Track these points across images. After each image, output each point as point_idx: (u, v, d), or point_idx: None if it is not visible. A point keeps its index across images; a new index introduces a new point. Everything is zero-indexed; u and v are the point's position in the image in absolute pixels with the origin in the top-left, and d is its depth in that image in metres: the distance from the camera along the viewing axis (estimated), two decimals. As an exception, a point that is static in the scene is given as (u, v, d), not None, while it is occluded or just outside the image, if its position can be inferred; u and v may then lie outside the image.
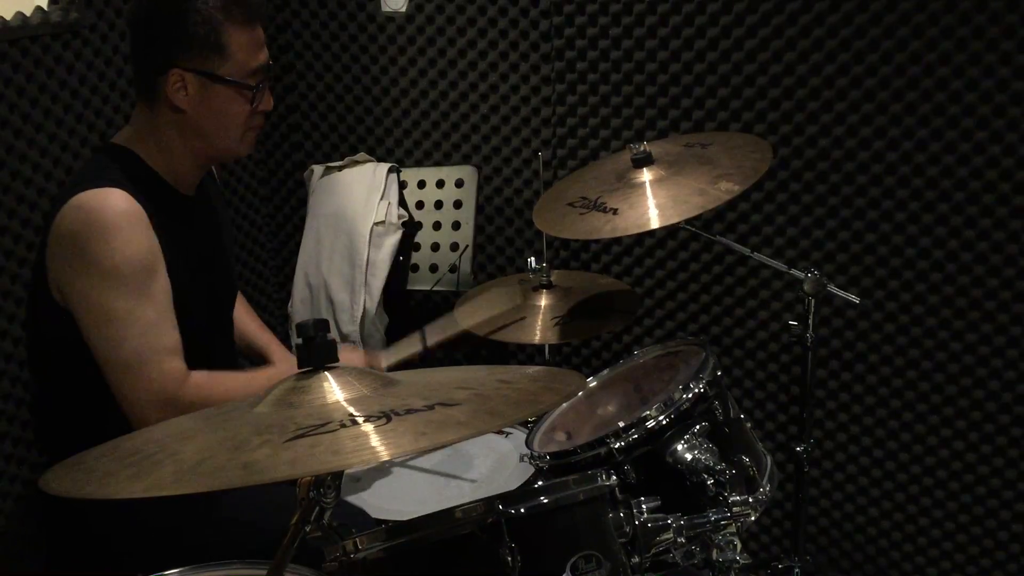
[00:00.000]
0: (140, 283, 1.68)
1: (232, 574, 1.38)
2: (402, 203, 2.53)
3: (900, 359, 2.27)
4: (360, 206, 2.50)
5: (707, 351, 1.71)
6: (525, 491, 1.32)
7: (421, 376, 1.25)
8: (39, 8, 2.07)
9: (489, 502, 1.24)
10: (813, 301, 1.91)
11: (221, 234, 2.01)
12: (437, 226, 2.56)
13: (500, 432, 1.98)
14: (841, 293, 1.92)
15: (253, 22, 1.76)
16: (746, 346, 2.42)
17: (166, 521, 1.75)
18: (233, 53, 1.73)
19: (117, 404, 1.71)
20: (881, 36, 2.09)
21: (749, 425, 1.72)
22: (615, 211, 1.81)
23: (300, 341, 1.13)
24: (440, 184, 2.57)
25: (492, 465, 1.87)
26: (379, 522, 1.68)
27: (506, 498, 1.25)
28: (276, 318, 2.90)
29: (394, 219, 2.50)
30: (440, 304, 2.62)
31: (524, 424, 1.92)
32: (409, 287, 2.56)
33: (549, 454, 1.63)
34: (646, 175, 1.87)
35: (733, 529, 1.47)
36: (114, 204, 1.66)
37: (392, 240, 2.49)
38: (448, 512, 1.25)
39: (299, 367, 1.13)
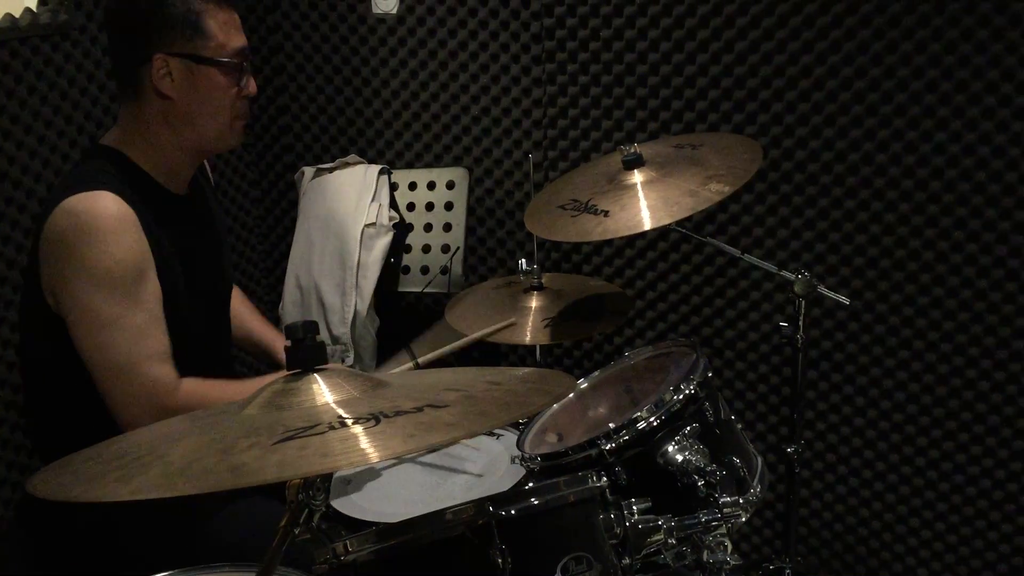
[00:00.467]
0: (130, 288, 1.67)
1: (221, 577, 1.38)
2: (393, 205, 2.53)
3: (890, 360, 2.27)
4: (351, 208, 2.50)
5: (698, 352, 1.71)
6: (516, 492, 1.32)
7: (411, 378, 1.25)
8: (28, 10, 2.07)
9: (479, 503, 1.24)
10: (803, 303, 1.92)
11: (215, 232, 2.00)
12: (428, 228, 2.56)
13: (491, 434, 1.98)
14: (831, 295, 1.92)
15: (227, 4, 1.77)
16: (737, 347, 2.43)
17: (154, 524, 1.74)
18: (214, 34, 1.74)
19: (107, 409, 1.70)
20: (871, 39, 2.10)
21: (740, 426, 1.72)
22: (606, 213, 1.81)
23: (289, 343, 1.12)
24: (431, 186, 2.57)
25: (483, 467, 1.87)
26: (369, 524, 1.67)
27: (497, 499, 1.25)
28: (267, 320, 2.89)
29: (385, 221, 2.50)
30: (431, 306, 2.62)
31: (515, 425, 1.92)
32: (400, 289, 2.56)
33: (540, 456, 1.63)
34: (637, 177, 1.87)
35: (724, 530, 1.48)
36: (104, 207, 1.66)
37: (383, 242, 2.49)
38: (438, 514, 1.25)
39: (288, 369, 1.13)
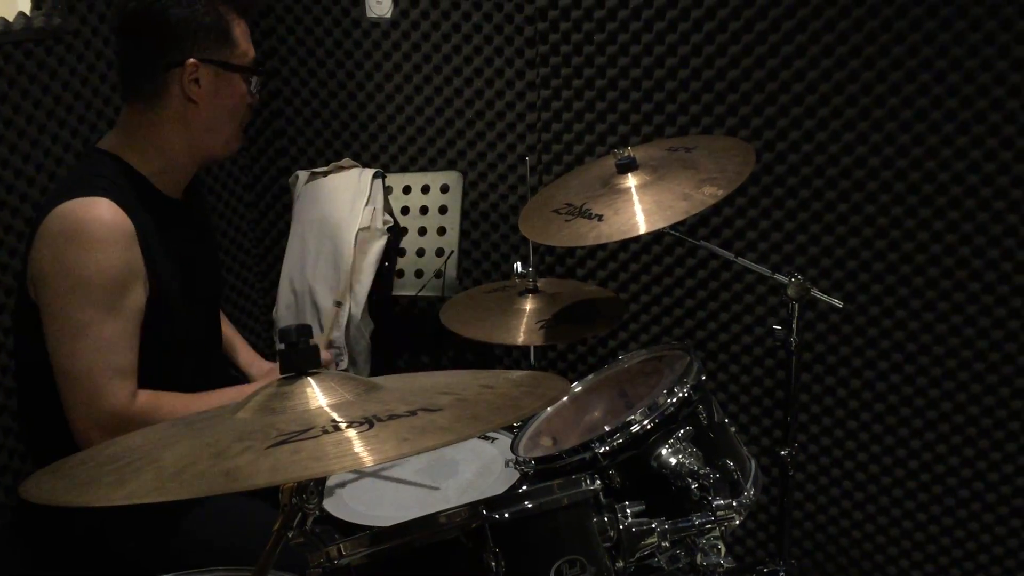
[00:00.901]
0: (109, 299, 1.66)
1: (215, 581, 1.38)
2: (387, 208, 2.53)
3: (883, 363, 2.28)
4: (345, 212, 2.50)
5: (692, 356, 1.72)
6: (509, 496, 1.32)
7: (405, 381, 1.25)
8: (22, 14, 2.06)
9: (473, 507, 1.24)
10: (797, 305, 1.92)
11: (210, 236, 2.01)
12: (422, 231, 2.56)
13: (485, 437, 1.98)
14: (824, 298, 1.93)
15: (245, 14, 1.82)
16: (730, 350, 2.43)
17: (147, 528, 1.74)
18: (239, 42, 1.79)
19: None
20: (864, 42, 2.10)
21: (733, 429, 1.73)
22: (600, 217, 1.82)
23: (282, 347, 1.12)
24: (425, 189, 2.57)
25: (477, 470, 1.87)
26: (363, 528, 1.68)
27: (490, 503, 1.25)
28: (261, 324, 2.89)
29: (379, 224, 2.50)
30: (425, 309, 2.62)
31: (510, 429, 1.92)
32: (394, 293, 2.56)
33: (534, 459, 1.63)
34: (631, 180, 1.87)
35: (717, 533, 1.48)
36: (99, 215, 1.66)
37: (377, 246, 2.49)
38: (432, 517, 1.25)
39: (281, 372, 1.13)
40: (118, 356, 1.69)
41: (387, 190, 2.55)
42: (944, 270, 2.17)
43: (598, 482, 1.37)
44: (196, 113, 1.77)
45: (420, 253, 2.55)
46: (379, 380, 1.20)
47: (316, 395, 1.08)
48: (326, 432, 0.98)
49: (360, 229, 2.47)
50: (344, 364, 2.46)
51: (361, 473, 1.89)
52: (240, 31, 1.79)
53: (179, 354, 1.83)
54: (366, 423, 1.00)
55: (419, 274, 2.55)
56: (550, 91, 2.44)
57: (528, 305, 2.16)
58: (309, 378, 1.11)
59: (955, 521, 2.31)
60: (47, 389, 1.73)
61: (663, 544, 1.43)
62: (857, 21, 2.10)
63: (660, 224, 1.77)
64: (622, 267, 2.48)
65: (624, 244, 2.45)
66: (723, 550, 1.47)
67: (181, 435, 1.08)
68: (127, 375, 1.70)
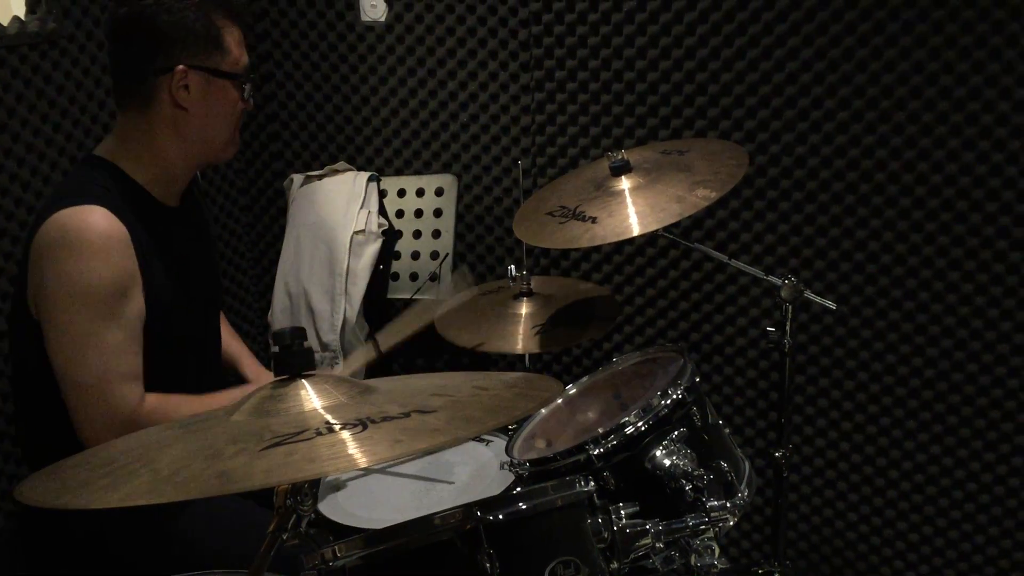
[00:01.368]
0: (110, 306, 1.67)
1: (210, 584, 1.38)
2: (382, 212, 2.53)
3: (877, 364, 2.29)
4: (340, 215, 2.50)
5: (685, 357, 1.72)
6: (503, 497, 1.32)
7: (398, 383, 1.26)
8: (16, 18, 2.07)
9: (468, 508, 1.25)
10: (790, 307, 1.92)
11: (207, 242, 2.01)
12: (417, 234, 2.56)
13: (481, 440, 1.98)
14: (818, 299, 1.93)
15: (239, 21, 1.81)
16: (724, 352, 2.44)
17: (144, 532, 1.74)
18: (231, 49, 1.78)
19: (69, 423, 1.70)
20: (856, 45, 2.11)
21: (727, 431, 1.73)
22: (594, 220, 1.82)
23: (277, 349, 1.13)
24: (420, 193, 2.58)
25: (472, 473, 1.87)
26: (358, 530, 1.68)
27: (484, 504, 1.25)
28: (256, 327, 2.89)
29: (374, 228, 2.50)
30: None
31: (505, 431, 1.93)
32: (389, 296, 2.56)
33: (529, 461, 1.64)
34: (624, 183, 1.88)
35: (711, 534, 1.48)
36: (95, 223, 1.66)
37: (372, 249, 2.49)
38: (427, 519, 1.25)
39: (276, 375, 1.14)
40: (125, 361, 1.70)
41: (382, 193, 2.55)
42: (937, 272, 2.18)
43: (592, 483, 1.37)
44: (187, 120, 1.76)
45: (415, 256, 2.56)
46: (373, 382, 1.20)
47: (310, 397, 1.09)
48: (320, 434, 0.99)
49: (355, 232, 2.48)
50: (339, 367, 2.46)
51: (356, 475, 1.89)
52: (232, 38, 1.78)
53: (176, 360, 1.83)
54: (360, 425, 1.00)
55: (414, 277, 2.55)
56: (544, 94, 2.45)
57: (523, 309, 2.17)
58: (303, 380, 1.11)
59: (949, 522, 2.32)
60: (45, 396, 1.73)
61: (657, 545, 1.43)
62: (849, 25, 2.11)
63: (654, 226, 1.77)
64: (616, 269, 2.48)
65: (618, 246, 2.46)
66: (717, 551, 1.48)
67: (176, 438, 1.09)
68: (135, 379, 1.71)
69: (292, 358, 1.12)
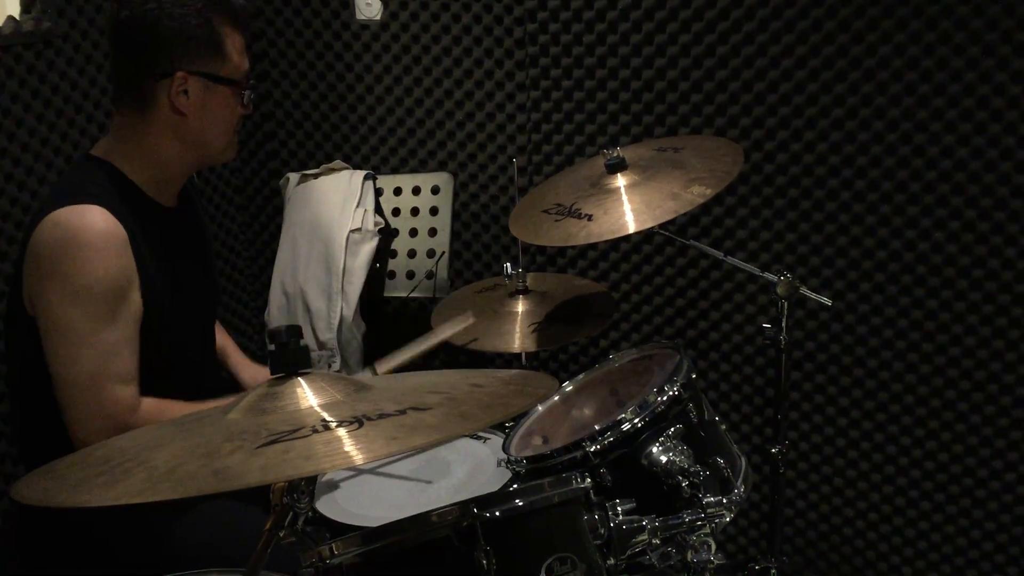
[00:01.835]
0: (107, 306, 1.66)
1: (208, 582, 1.38)
2: (378, 210, 2.53)
3: (873, 360, 2.29)
4: (336, 213, 2.50)
5: (682, 354, 1.72)
6: (500, 494, 1.33)
7: (394, 380, 1.26)
8: (11, 17, 2.06)
9: (464, 505, 1.25)
10: (786, 304, 1.93)
11: (203, 243, 2.01)
12: (413, 233, 2.56)
13: (477, 437, 1.99)
14: (814, 296, 1.94)
15: (240, 27, 1.80)
16: (721, 349, 2.44)
17: (141, 530, 1.74)
18: (231, 56, 1.77)
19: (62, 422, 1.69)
20: (850, 42, 2.12)
21: (724, 427, 1.73)
22: (590, 217, 1.83)
23: (273, 347, 1.13)
24: (416, 191, 2.58)
25: (469, 470, 1.87)
26: (355, 527, 1.68)
27: (481, 501, 1.26)
28: (253, 326, 2.89)
29: (370, 226, 2.50)
30: (417, 311, 2.62)
31: (502, 429, 1.93)
32: (386, 294, 2.57)
33: (526, 458, 1.64)
34: (620, 180, 1.88)
35: (708, 530, 1.48)
36: (92, 223, 1.65)
37: (368, 247, 2.49)
38: (424, 516, 1.25)
39: (272, 373, 1.14)
40: (120, 362, 1.69)
41: (378, 192, 2.55)
42: (932, 268, 2.18)
43: (589, 480, 1.37)
44: (185, 124, 1.76)
45: (411, 254, 2.56)
46: (369, 380, 1.20)
47: (306, 395, 1.09)
48: (316, 431, 0.99)
49: (351, 231, 2.48)
50: (336, 366, 2.46)
51: (353, 474, 1.89)
52: (233, 44, 1.77)
53: (171, 360, 1.83)
54: (356, 422, 1.00)
55: (410, 275, 2.55)
56: (539, 92, 2.45)
57: (520, 307, 2.17)
58: (299, 378, 1.11)
59: (945, 517, 2.32)
60: (41, 395, 1.73)
61: (654, 541, 1.44)
62: (843, 21, 2.11)
63: (649, 223, 1.78)
64: (612, 267, 2.49)
65: (614, 244, 2.46)
66: (714, 547, 1.48)
67: (172, 436, 1.09)
68: (129, 381, 1.70)
69: (288, 356, 1.13)
